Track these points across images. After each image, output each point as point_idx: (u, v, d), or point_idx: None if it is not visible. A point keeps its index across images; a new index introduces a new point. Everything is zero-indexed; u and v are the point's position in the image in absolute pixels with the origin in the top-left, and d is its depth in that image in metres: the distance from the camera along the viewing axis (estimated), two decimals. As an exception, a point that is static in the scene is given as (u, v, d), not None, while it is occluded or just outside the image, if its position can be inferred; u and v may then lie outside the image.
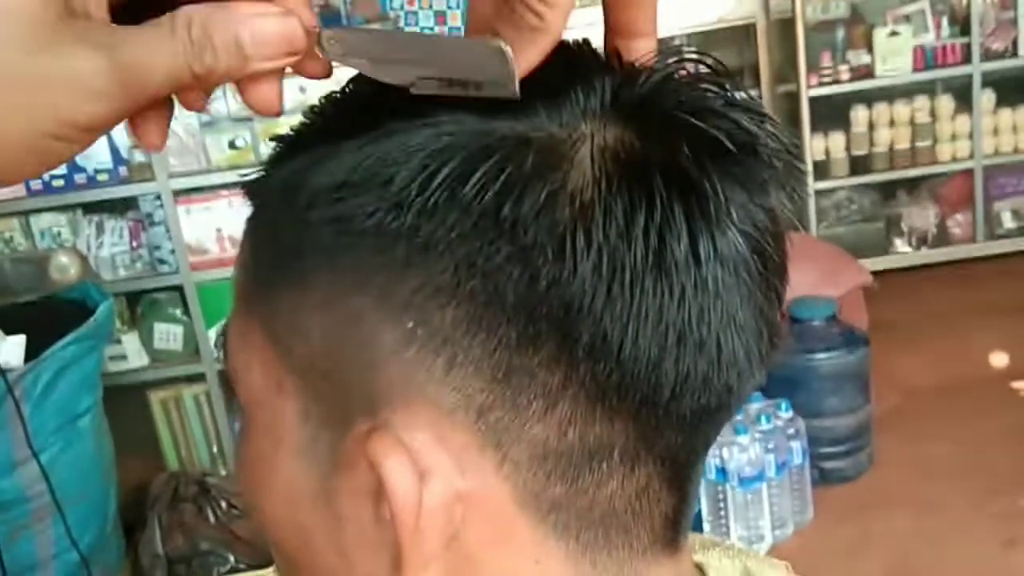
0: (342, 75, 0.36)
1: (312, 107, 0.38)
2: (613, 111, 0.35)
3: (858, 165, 3.84)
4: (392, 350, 0.33)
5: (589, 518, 0.36)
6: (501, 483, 0.35)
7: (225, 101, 2.97)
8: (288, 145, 0.38)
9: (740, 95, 0.36)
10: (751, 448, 2.23)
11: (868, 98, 3.81)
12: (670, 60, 0.36)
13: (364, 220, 0.33)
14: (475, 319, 0.33)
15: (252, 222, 0.38)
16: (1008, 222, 3.88)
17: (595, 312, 0.32)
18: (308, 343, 0.35)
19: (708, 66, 0.36)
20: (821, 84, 3.70)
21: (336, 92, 0.38)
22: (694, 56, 0.36)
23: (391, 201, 0.33)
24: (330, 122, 0.37)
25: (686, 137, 0.33)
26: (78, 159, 2.91)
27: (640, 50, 0.37)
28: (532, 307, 0.32)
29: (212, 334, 2.92)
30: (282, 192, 0.36)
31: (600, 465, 0.35)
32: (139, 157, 2.94)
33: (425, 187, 0.32)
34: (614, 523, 0.37)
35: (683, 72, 0.36)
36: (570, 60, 0.36)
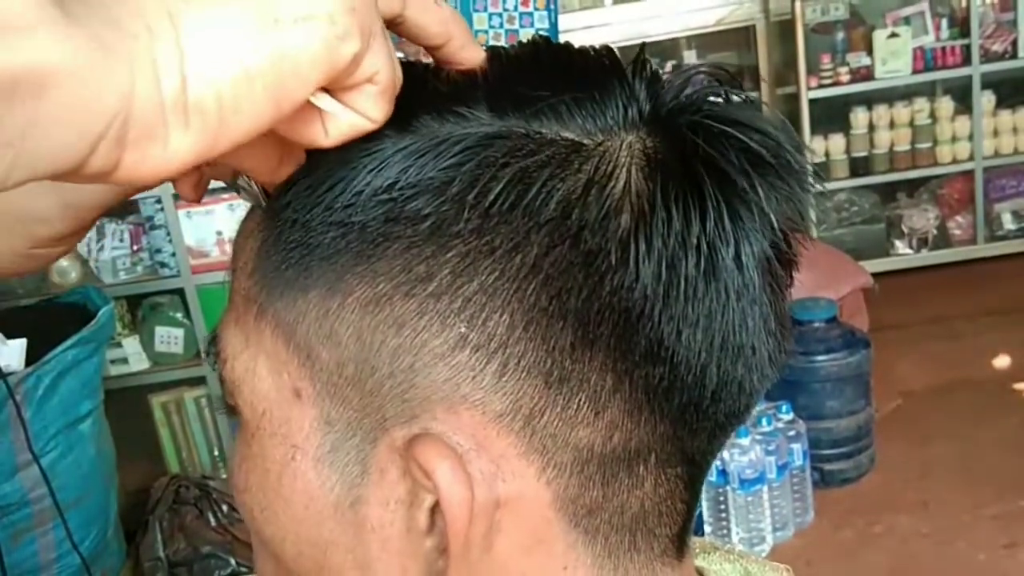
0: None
1: None
2: (652, 120, 0.35)
3: (858, 167, 3.84)
4: (438, 355, 0.33)
5: (620, 522, 0.36)
6: (542, 489, 0.34)
7: (225, 104, 2.97)
8: None
9: (764, 107, 0.36)
10: (752, 450, 2.23)
11: (868, 100, 3.81)
12: (694, 71, 0.36)
13: (416, 223, 0.32)
14: (532, 324, 0.32)
15: (267, 222, 0.36)
16: (1008, 223, 3.88)
17: (654, 318, 0.33)
18: (337, 348, 0.34)
19: (723, 79, 0.36)
20: (821, 86, 3.70)
21: None
22: (707, 69, 0.37)
23: (449, 205, 0.32)
24: None
25: (728, 146, 0.34)
26: (79, 163, 2.91)
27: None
28: (592, 312, 0.32)
29: (213, 337, 2.90)
30: (314, 191, 0.34)
31: (637, 468, 0.35)
32: (140, 160, 2.94)
33: (486, 192, 0.32)
34: (641, 527, 0.37)
35: (703, 80, 0.36)
36: (602, 68, 0.36)
